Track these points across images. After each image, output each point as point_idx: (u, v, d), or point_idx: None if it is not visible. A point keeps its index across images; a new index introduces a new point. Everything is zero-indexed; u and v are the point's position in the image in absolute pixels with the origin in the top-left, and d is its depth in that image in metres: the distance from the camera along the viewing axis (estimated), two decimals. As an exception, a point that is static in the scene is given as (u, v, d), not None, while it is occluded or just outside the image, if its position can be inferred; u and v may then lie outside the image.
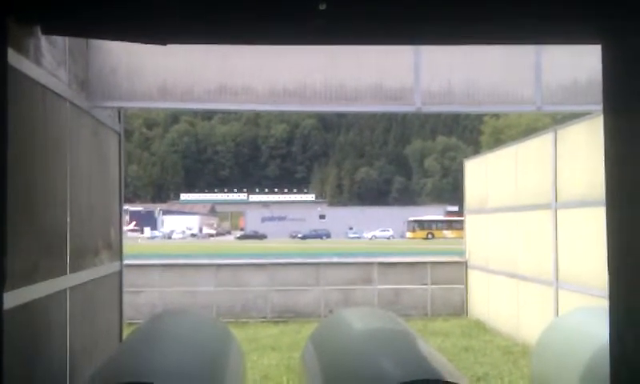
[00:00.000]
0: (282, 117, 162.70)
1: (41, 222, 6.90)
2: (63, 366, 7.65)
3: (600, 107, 6.30)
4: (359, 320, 9.20)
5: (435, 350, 7.92)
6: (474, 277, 22.10)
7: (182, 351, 7.18)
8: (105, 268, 9.70)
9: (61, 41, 7.66)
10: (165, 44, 7.06)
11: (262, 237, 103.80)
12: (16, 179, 5.92)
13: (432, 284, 22.28)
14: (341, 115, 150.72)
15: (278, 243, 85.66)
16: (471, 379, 12.72)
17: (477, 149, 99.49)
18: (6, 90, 5.43)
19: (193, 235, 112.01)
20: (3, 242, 5.34)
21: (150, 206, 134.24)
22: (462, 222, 28.50)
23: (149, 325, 8.80)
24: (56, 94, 7.42)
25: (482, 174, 21.94)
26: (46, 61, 7.12)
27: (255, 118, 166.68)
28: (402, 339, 8.03)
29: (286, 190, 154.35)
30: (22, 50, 6.35)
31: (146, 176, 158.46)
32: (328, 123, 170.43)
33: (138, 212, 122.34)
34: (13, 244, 5.70)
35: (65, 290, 7.65)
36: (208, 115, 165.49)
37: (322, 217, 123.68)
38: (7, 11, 5.64)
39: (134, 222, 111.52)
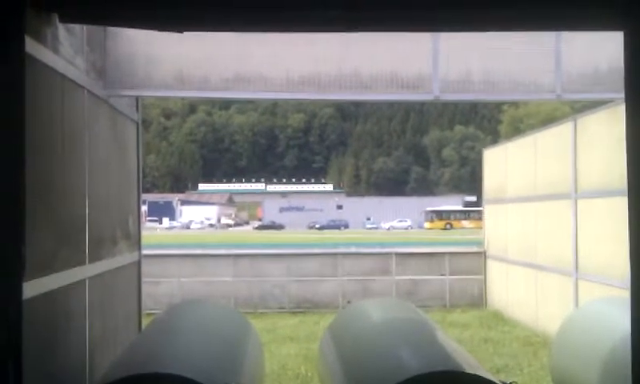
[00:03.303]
0: (299, 106, 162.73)
1: (59, 212, 6.91)
2: (82, 355, 7.67)
3: (621, 95, 6.20)
4: (377, 311, 9.17)
5: (454, 342, 7.87)
6: (492, 267, 21.99)
7: (200, 342, 7.18)
8: (123, 258, 9.71)
9: (78, 29, 7.64)
10: (181, 31, 7.03)
11: (280, 227, 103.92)
12: (34, 169, 5.92)
13: (450, 274, 22.20)
14: (358, 105, 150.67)
15: (296, 233, 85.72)
16: (490, 371, 12.66)
17: (495, 138, 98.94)
18: (24, 78, 5.42)
19: (211, 225, 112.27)
20: (22, 232, 5.34)
21: (168, 196, 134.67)
22: (480, 212, 28.38)
23: (167, 315, 8.82)
24: (74, 82, 7.41)
25: (500, 163, 21.80)
26: (64, 49, 7.11)
27: (272, 107, 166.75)
28: (420, 330, 7.98)
29: (303, 180, 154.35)
30: (39, 38, 6.34)
31: (164, 166, 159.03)
32: (345, 113, 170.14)
33: (157, 202, 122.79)
34: (32, 234, 5.70)
35: (84, 279, 7.66)
36: (225, 105, 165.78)
37: (340, 207, 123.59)
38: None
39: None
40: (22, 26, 5.44)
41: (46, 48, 6.51)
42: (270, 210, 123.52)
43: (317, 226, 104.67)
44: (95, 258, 8.11)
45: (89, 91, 7.97)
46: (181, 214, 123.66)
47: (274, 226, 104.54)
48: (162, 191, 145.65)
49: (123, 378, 5.96)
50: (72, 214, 7.35)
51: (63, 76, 7.03)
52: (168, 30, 7.06)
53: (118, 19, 7.09)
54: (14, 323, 5.17)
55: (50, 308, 6.60)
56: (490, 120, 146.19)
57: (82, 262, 7.61)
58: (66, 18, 6.77)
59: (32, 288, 5.86)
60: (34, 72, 6.01)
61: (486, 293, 22.24)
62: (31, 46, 5.95)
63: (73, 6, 6.40)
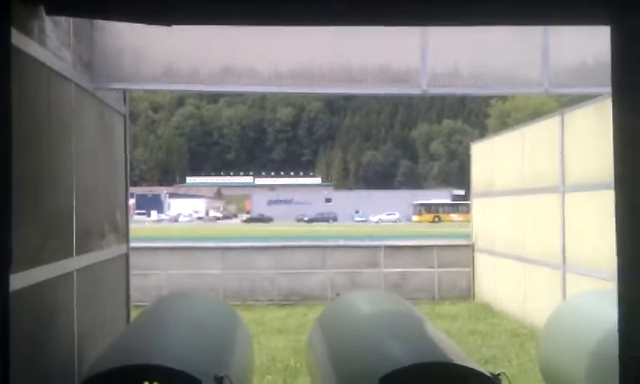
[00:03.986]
0: (287, 100, 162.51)
1: (46, 204, 6.88)
2: (71, 347, 7.66)
3: (608, 89, 6.22)
4: (366, 303, 9.19)
5: (443, 333, 7.90)
6: (480, 260, 22.08)
7: (189, 334, 7.18)
8: (111, 250, 9.69)
9: (65, 21, 7.61)
10: (170, 25, 6.99)
11: (269, 220, 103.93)
12: (21, 161, 5.89)
13: (439, 267, 22.26)
14: (347, 98, 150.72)
15: (285, 226, 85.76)
16: (479, 362, 12.72)
17: (483, 132, 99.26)
18: (10, 70, 5.39)
19: (199, 218, 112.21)
20: (9, 224, 5.32)
21: (156, 189, 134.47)
22: (468, 205, 28.46)
23: (155, 307, 8.81)
24: (61, 75, 7.38)
25: (488, 157, 21.87)
26: (51, 41, 7.07)
27: (261, 101, 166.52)
28: (408, 322, 8.02)
29: (292, 174, 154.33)
30: (26, 30, 6.31)
31: (152, 159, 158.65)
32: (334, 106, 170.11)
33: (145, 195, 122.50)
34: (18, 226, 5.68)
35: (71, 272, 7.65)
36: (214, 98, 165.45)
37: (328, 200, 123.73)
38: (11, -9, 5.59)
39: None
40: (7, 17, 5.41)
41: (32, 40, 6.48)
42: (259, 203, 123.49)
43: (305, 218, 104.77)
44: (83, 250, 8.09)
45: (76, 84, 7.93)
46: (169, 207, 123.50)
47: (262, 219, 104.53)
48: (151, 184, 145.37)
49: (111, 369, 5.96)
50: (59, 207, 7.33)
51: (50, 68, 6.99)
52: (156, 24, 7.02)
53: (104, 12, 7.06)
54: (1, 315, 5.15)
55: (38, 300, 6.58)
56: (477, 114, 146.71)
57: (69, 255, 7.59)
58: (53, 11, 6.73)
59: (19, 280, 5.84)
60: (20, 64, 5.98)
61: (474, 285, 22.33)
62: (17, 38, 5.92)
63: (60, -3, 6.37)
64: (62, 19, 7.47)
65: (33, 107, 6.49)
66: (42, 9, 6.64)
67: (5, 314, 5.21)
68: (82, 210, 8.04)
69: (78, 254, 7.86)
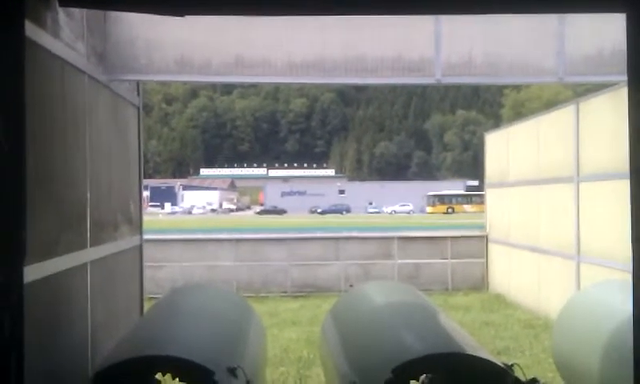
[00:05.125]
0: (301, 91, 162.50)
1: (61, 196, 6.91)
2: (84, 339, 7.69)
3: (624, 78, 6.17)
4: (379, 294, 9.17)
5: (456, 324, 7.88)
6: (494, 251, 22.01)
7: (202, 325, 7.20)
8: (125, 242, 9.72)
9: (78, 13, 7.61)
10: (183, 15, 6.99)
11: (282, 212, 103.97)
12: (35, 153, 5.91)
13: (452, 258, 22.21)
14: (360, 89, 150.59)
15: (298, 218, 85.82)
16: (492, 353, 12.69)
17: (497, 122, 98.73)
18: (24, 63, 5.40)
19: (213, 210, 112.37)
20: (23, 217, 5.33)
21: (170, 182, 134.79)
22: (482, 196, 28.37)
23: (169, 299, 8.83)
24: (74, 67, 7.39)
25: (502, 147, 21.77)
26: (64, 33, 7.08)
27: (274, 92, 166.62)
28: (422, 313, 7.99)
29: (305, 165, 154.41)
30: (39, 22, 6.32)
31: (165, 151, 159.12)
32: (347, 97, 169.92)
33: (159, 187, 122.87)
34: (33, 218, 5.71)
35: (85, 263, 7.67)
36: (227, 90, 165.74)
37: (342, 191, 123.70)
38: (24, -17, 5.60)
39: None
40: (21, 9, 5.42)
41: (46, 32, 6.49)
42: (272, 195, 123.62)
43: (319, 210, 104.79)
44: (97, 242, 8.12)
45: (89, 76, 7.95)
46: (183, 199, 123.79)
47: (275, 211, 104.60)
48: (164, 176, 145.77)
49: (125, 360, 5.98)
50: (73, 199, 7.35)
51: (64, 61, 7.01)
52: (169, 14, 7.02)
53: (117, 3, 7.07)
54: (15, 307, 5.17)
55: (52, 292, 6.61)
56: (492, 104, 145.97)
57: (83, 246, 7.62)
58: (66, 3, 6.74)
59: (34, 272, 5.87)
60: (34, 57, 5.99)
61: (487, 276, 22.27)
62: (31, 31, 5.93)
63: (72, -11, 6.38)
64: (76, 11, 7.47)
65: (47, 99, 6.51)
66: (55, 1, 6.65)
67: (19, 305, 5.23)
68: (96, 201, 8.07)
69: (91, 245, 7.89)
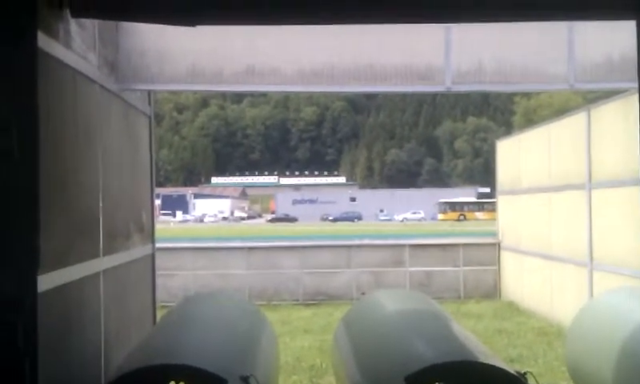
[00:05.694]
0: (311, 99, 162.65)
1: (73, 206, 6.94)
2: (97, 348, 7.71)
3: (634, 85, 6.16)
4: (391, 302, 9.16)
5: (468, 332, 7.86)
6: (506, 258, 21.95)
7: (214, 333, 7.21)
8: (137, 251, 9.75)
9: (90, 24, 7.66)
10: (194, 25, 7.03)
11: (293, 220, 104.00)
12: (48, 163, 5.94)
13: (464, 266, 22.16)
14: (370, 97, 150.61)
15: (309, 226, 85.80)
16: (505, 361, 12.65)
17: (508, 130, 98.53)
18: (37, 73, 5.44)
19: (224, 218, 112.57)
20: (37, 226, 5.37)
21: (181, 190, 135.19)
22: (493, 203, 28.31)
23: (181, 307, 8.85)
24: (86, 77, 7.43)
25: (514, 154, 21.73)
26: (76, 44, 7.13)
27: (285, 100, 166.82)
28: (434, 321, 7.98)
29: (316, 173, 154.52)
30: (52, 33, 6.36)
31: (177, 160, 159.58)
32: (358, 105, 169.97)
33: (170, 196, 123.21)
34: (46, 227, 5.73)
35: (98, 272, 7.70)
36: (237, 99, 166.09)
37: (353, 199, 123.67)
38: (37, -5, 5.65)
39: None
40: (34, 20, 5.46)
41: (58, 43, 6.53)
42: (283, 203, 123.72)
43: (330, 218, 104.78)
44: (109, 250, 8.15)
45: (101, 86, 7.99)
46: (194, 208, 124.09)
47: (287, 219, 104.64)
48: (176, 185, 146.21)
49: (138, 369, 5.99)
50: (86, 208, 7.38)
51: (75, 71, 7.05)
52: (180, 24, 7.06)
53: (129, 14, 7.10)
54: (29, 315, 5.20)
55: (65, 301, 6.63)
56: (502, 111, 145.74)
57: (96, 255, 7.64)
58: (78, 13, 6.79)
59: (47, 281, 5.89)
60: (46, 67, 6.03)
61: (500, 284, 22.20)
62: (44, 42, 5.97)
63: (84, 1, 6.42)
64: (87, 22, 7.52)
65: (59, 109, 6.55)
66: (67, 12, 6.69)
67: (33, 314, 5.26)
68: (109, 210, 8.10)
69: (104, 254, 7.92)
